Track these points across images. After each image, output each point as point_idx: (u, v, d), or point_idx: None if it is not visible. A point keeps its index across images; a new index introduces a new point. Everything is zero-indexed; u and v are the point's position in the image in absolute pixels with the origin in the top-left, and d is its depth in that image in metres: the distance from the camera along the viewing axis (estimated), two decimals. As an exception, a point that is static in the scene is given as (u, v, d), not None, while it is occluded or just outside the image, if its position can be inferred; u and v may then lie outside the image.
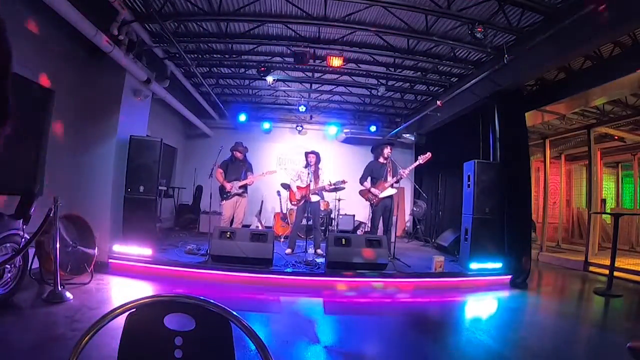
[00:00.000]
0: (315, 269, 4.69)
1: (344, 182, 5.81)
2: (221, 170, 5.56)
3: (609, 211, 8.25)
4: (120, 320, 0.91)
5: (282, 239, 7.23)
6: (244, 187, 5.60)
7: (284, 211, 7.89)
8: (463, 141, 6.98)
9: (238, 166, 5.65)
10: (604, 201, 5.70)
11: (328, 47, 5.43)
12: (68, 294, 3.25)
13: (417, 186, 8.34)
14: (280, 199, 7.92)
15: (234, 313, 0.91)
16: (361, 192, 5.72)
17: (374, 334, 3.11)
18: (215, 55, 6.24)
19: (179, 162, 9.35)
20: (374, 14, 4.70)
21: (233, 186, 5.45)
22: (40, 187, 4.34)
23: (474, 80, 5.40)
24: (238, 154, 5.69)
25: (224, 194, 5.48)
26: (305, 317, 3.44)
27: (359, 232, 8.42)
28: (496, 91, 5.42)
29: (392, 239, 5.61)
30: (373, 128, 8.96)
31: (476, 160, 5.20)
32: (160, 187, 5.59)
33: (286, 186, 6.08)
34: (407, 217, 9.82)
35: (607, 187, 9.45)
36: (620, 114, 6.88)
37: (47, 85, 4.34)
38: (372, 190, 5.48)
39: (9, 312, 2.84)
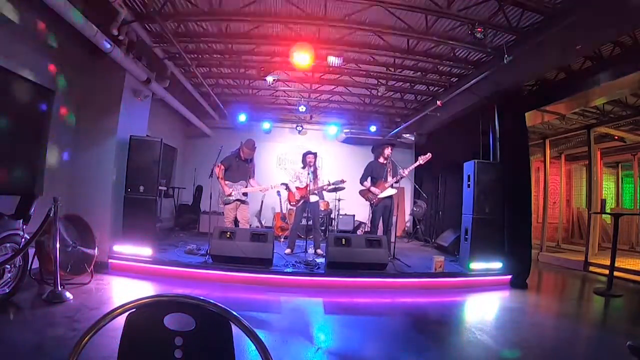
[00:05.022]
0: (315, 269, 4.69)
1: (342, 181, 5.78)
2: (222, 167, 5.25)
3: (609, 211, 8.26)
4: (120, 320, 0.91)
5: (282, 239, 7.24)
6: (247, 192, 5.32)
7: (284, 211, 7.89)
8: (463, 141, 6.98)
9: (245, 167, 5.34)
10: (604, 201, 5.68)
11: (328, 47, 5.43)
12: (68, 294, 3.25)
13: (417, 186, 8.35)
14: (280, 199, 7.92)
15: (234, 313, 0.91)
16: (361, 192, 5.72)
17: (374, 334, 3.11)
18: (215, 55, 6.23)
19: (179, 162, 9.35)
20: (374, 14, 4.69)
21: (234, 190, 5.17)
22: (40, 187, 4.36)
23: (474, 80, 5.40)
24: (247, 152, 5.31)
25: (225, 197, 5.21)
26: (305, 317, 3.44)
27: (359, 232, 8.42)
28: (496, 91, 5.43)
29: (392, 239, 5.61)
30: (373, 128, 8.96)
31: (476, 160, 5.19)
32: (160, 187, 5.57)
33: (286, 186, 6.05)
34: (407, 217, 9.83)
35: (607, 187, 9.46)
36: (620, 114, 6.88)
37: (47, 84, 4.35)
38: (372, 189, 5.48)
39: (9, 312, 2.84)
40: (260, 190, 5.54)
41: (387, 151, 5.59)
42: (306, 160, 5.76)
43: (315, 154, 5.76)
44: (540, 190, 8.72)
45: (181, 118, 8.06)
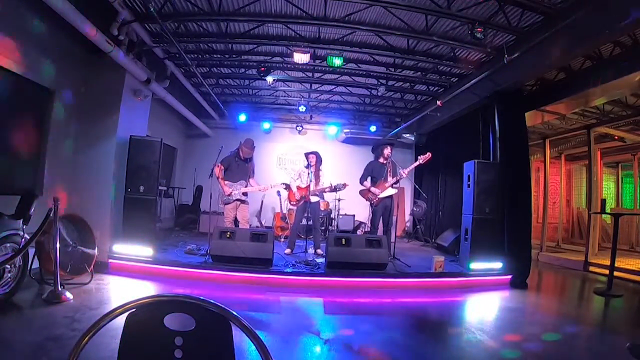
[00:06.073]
0: (315, 269, 4.69)
1: (345, 185, 5.76)
2: (222, 167, 5.23)
3: (609, 211, 8.25)
4: (120, 320, 0.91)
5: (282, 239, 7.24)
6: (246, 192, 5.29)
7: (284, 211, 7.89)
8: (463, 141, 6.98)
9: (245, 167, 5.33)
10: (604, 201, 5.68)
11: (328, 47, 5.43)
12: (68, 294, 3.25)
13: (417, 186, 8.35)
14: (280, 199, 7.92)
15: (234, 313, 0.91)
16: (361, 192, 5.72)
17: (374, 334, 3.10)
18: (215, 55, 6.24)
19: (179, 162, 9.34)
20: (374, 14, 4.70)
21: (234, 190, 5.16)
22: (40, 187, 4.35)
23: (474, 80, 5.40)
24: (246, 151, 5.31)
25: (224, 197, 5.20)
26: (305, 317, 3.44)
27: (359, 232, 8.42)
28: (496, 91, 5.43)
29: (392, 239, 5.61)
30: (373, 128, 8.97)
31: (476, 160, 5.19)
32: (160, 187, 5.57)
33: (286, 186, 6.05)
34: (407, 217, 9.82)
35: (607, 187, 9.45)
36: (620, 114, 6.88)
37: (47, 85, 4.34)
38: (372, 189, 5.48)
39: (9, 312, 2.84)
40: (260, 190, 5.54)
41: (387, 151, 5.59)
42: (308, 159, 5.78)
43: (316, 154, 5.76)
44: (540, 190, 8.72)
45: (181, 118, 8.06)
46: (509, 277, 5.00)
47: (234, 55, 6.15)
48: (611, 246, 4.89)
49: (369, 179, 5.61)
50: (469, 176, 5.26)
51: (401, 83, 6.93)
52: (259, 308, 3.68)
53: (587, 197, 7.82)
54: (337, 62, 5.20)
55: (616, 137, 7.84)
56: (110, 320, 0.89)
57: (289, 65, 6.35)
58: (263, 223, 8.52)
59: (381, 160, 5.64)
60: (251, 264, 4.47)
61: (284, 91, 7.95)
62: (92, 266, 3.93)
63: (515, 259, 5.02)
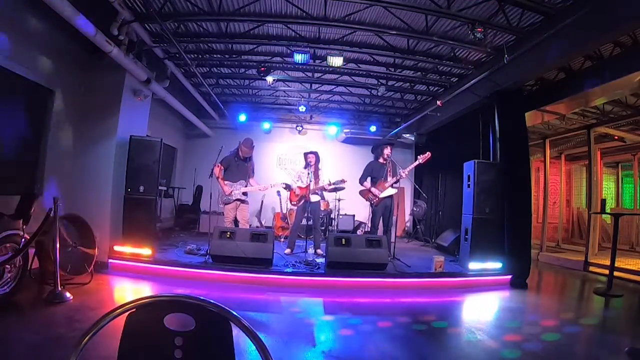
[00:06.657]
0: (315, 269, 4.69)
1: (343, 181, 5.76)
2: (221, 167, 5.22)
3: (609, 211, 8.25)
4: (120, 320, 0.91)
5: (282, 239, 7.23)
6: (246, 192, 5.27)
7: (284, 211, 7.89)
8: (463, 141, 6.98)
9: (244, 167, 5.33)
10: (604, 201, 5.68)
11: (328, 47, 5.43)
12: (68, 294, 3.25)
13: (417, 186, 8.35)
14: (280, 199, 7.92)
15: (234, 313, 0.91)
16: (361, 192, 5.72)
17: (374, 334, 3.10)
18: (215, 55, 6.24)
19: (179, 162, 9.35)
20: (374, 14, 4.70)
21: (233, 191, 5.15)
22: (40, 187, 4.36)
23: (474, 80, 5.40)
24: (245, 150, 5.31)
25: (224, 197, 5.19)
26: (305, 317, 3.44)
27: (359, 232, 8.42)
28: (496, 91, 5.43)
29: (392, 239, 5.61)
30: (373, 128, 8.97)
31: (476, 160, 5.19)
32: (160, 187, 5.57)
33: (286, 186, 6.05)
34: (407, 217, 9.83)
35: (607, 187, 9.45)
36: (620, 114, 6.88)
37: (47, 85, 4.35)
38: (373, 190, 5.48)
39: (9, 312, 2.84)
40: (260, 190, 5.53)
41: (387, 151, 5.59)
42: (307, 159, 5.78)
43: (315, 153, 5.76)
44: (540, 190, 8.72)
45: (181, 118, 8.06)
46: (509, 277, 5.00)
47: (234, 55, 6.15)
48: (611, 246, 4.88)
49: (368, 179, 5.61)
50: (469, 176, 5.26)
51: (401, 83, 6.93)
52: (259, 308, 3.67)
53: (587, 197, 7.82)
54: (336, 61, 5.17)
55: (616, 137, 7.83)
56: (110, 320, 0.89)
57: (289, 65, 6.35)
58: (263, 223, 8.53)
59: (381, 160, 5.64)
60: (251, 264, 4.47)
61: (284, 91, 7.95)
62: (92, 266, 3.93)
63: (515, 259, 5.02)
